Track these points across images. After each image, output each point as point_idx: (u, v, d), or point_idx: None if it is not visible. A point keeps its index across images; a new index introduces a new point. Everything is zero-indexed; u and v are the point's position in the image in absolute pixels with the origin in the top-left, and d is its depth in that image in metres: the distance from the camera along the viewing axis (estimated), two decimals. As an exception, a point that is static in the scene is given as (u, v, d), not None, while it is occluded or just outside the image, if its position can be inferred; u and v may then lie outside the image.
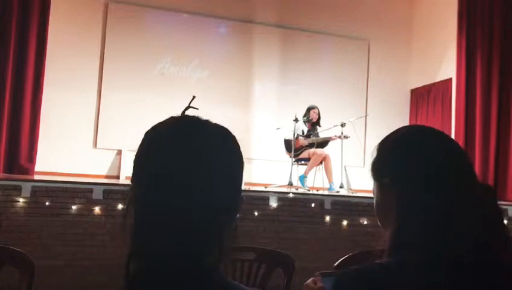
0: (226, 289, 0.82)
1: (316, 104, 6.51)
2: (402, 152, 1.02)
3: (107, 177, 6.86)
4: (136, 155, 0.86)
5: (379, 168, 1.04)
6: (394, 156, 1.02)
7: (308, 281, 1.10)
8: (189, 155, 0.82)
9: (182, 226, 0.80)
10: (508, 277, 0.92)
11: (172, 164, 0.81)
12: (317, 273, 1.10)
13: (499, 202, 1.01)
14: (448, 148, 1.01)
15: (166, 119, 0.88)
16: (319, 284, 1.07)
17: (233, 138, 0.90)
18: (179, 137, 0.83)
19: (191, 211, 0.80)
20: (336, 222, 4.59)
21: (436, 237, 0.92)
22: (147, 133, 0.87)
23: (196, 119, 0.88)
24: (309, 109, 6.46)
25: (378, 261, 0.97)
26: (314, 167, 6.28)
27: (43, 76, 6.04)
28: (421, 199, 0.95)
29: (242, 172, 0.90)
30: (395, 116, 7.80)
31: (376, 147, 1.07)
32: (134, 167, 0.86)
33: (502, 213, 1.01)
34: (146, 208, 0.82)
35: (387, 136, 1.07)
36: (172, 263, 0.79)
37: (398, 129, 1.08)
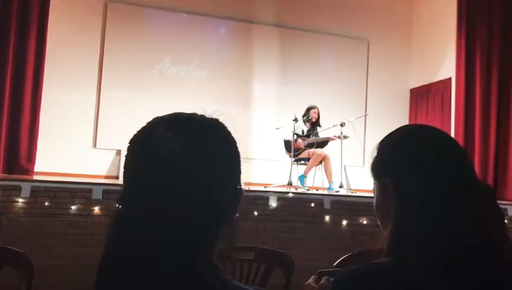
0: (226, 288, 0.82)
1: (316, 104, 6.50)
2: (402, 151, 1.02)
3: (106, 177, 6.86)
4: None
5: (379, 167, 1.04)
6: (394, 155, 1.02)
7: (309, 280, 1.10)
8: (172, 151, 0.78)
9: (174, 226, 0.77)
10: (507, 277, 0.92)
11: (156, 162, 0.79)
12: (317, 272, 1.10)
13: (499, 202, 1.01)
14: (448, 147, 1.01)
15: (150, 120, 0.86)
16: (322, 281, 1.07)
17: (223, 127, 0.86)
18: (158, 136, 0.80)
19: (180, 210, 0.77)
20: (336, 221, 4.59)
21: (435, 236, 0.92)
22: (132, 137, 0.86)
23: (179, 115, 0.86)
24: (309, 109, 6.45)
25: (376, 261, 0.97)
26: (314, 167, 6.28)
27: (43, 76, 6.03)
28: (420, 198, 0.95)
29: (235, 162, 0.86)
30: (394, 116, 7.79)
31: (376, 147, 1.07)
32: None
33: (501, 213, 1.01)
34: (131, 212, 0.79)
35: (387, 136, 1.07)
36: (168, 262, 0.77)
37: (398, 128, 1.08)
